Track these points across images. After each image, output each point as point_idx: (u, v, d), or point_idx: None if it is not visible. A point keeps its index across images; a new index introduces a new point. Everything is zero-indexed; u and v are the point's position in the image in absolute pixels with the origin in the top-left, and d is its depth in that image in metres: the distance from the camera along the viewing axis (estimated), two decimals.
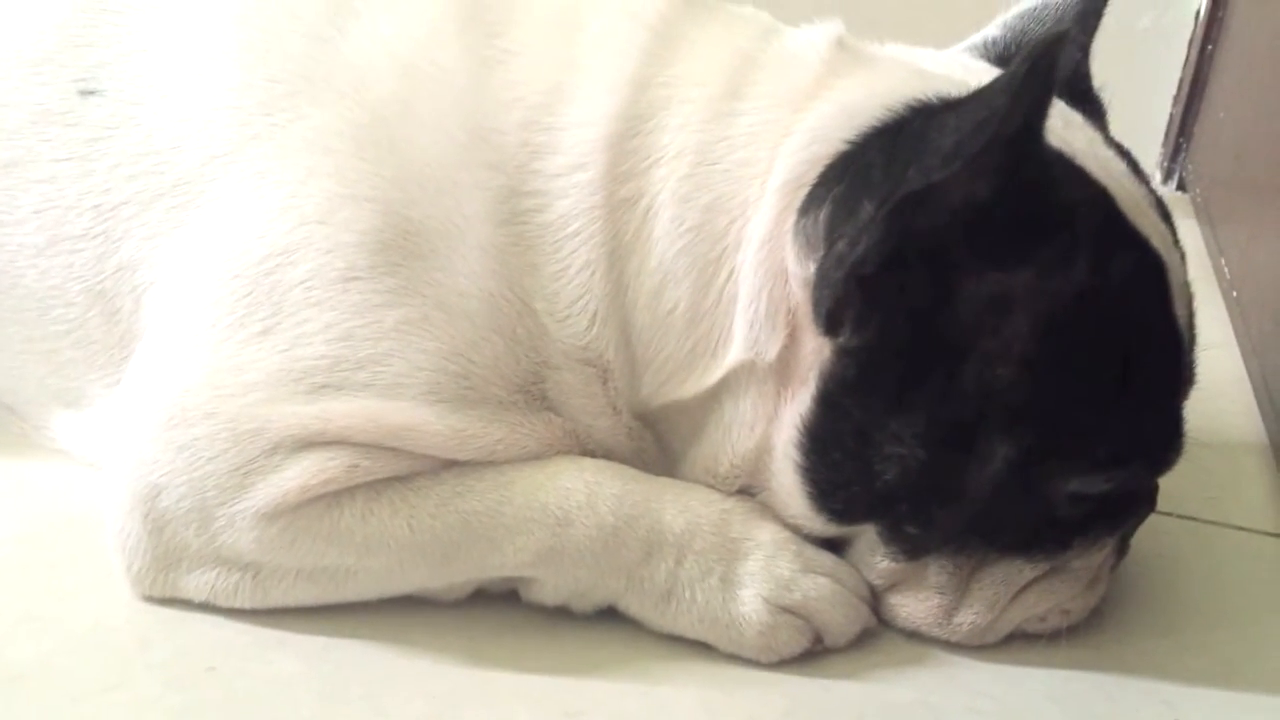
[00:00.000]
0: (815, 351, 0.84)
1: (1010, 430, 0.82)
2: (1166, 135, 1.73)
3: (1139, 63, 1.70)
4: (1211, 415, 1.20)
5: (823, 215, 0.81)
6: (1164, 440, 0.87)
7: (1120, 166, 0.88)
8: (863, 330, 0.81)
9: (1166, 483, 1.05)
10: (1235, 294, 1.37)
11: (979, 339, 0.81)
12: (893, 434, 0.83)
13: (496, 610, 0.90)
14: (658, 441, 0.93)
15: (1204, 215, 1.58)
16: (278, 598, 0.87)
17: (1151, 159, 1.75)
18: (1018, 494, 0.84)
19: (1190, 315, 0.89)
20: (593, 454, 0.91)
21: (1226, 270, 1.42)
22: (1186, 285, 0.89)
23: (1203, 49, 1.65)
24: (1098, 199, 0.83)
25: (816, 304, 0.81)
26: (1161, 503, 1.04)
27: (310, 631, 0.87)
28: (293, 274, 0.84)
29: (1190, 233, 1.60)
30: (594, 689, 0.85)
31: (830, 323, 0.81)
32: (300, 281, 0.84)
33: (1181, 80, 1.69)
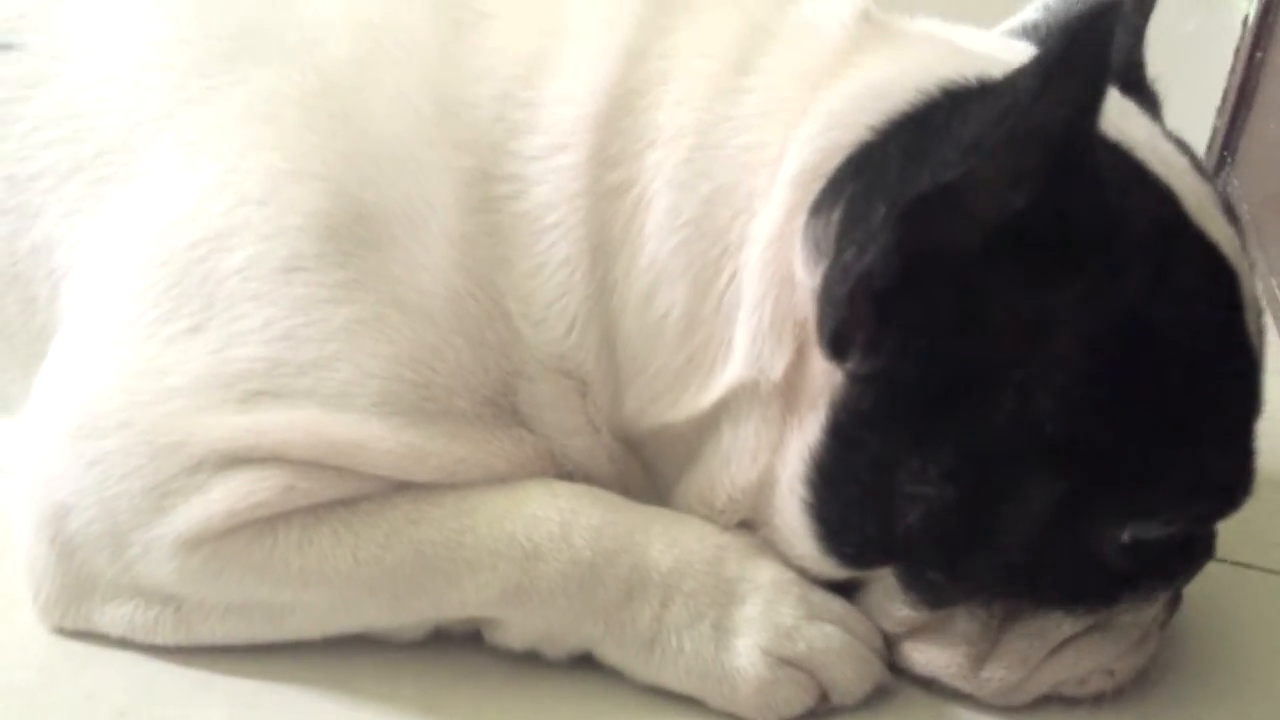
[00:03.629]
0: (827, 373, 0.73)
1: (1053, 468, 0.71)
2: (1209, 149, 1.62)
3: (1181, 71, 1.58)
4: (1266, 450, 1.08)
5: (835, 216, 0.69)
6: (1233, 477, 0.75)
7: (1183, 162, 0.77)
8: (874, 356, 0.70)
9: (1221, 526, 0.94)
10: None
11: (1016, 365, 0.69)
12: (916, 471, 0.71)
13: (456, 654, 0.79)
14: (645, 468, 0.81)
15: (1252, 234, 1.46)
16: (204, 635, 0.76)
17: None
18: (1061, 541, 0.73)
19: (1261, 332, 0.77)
20: (570, 478, 0.79)
21: (1277, 291, 1.31)
22: (1256, 298, 0.77)
23: (1251, 56, 1.54)
24: (1160, 199, 0.72)
25: (820, 322, 0.70)
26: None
27: (240, 674, 0.76)
28: (228, 262, 0.73)
29: None
30: None
31: (835, 345, 0.70)
32: (236, 271, 0.73)
33: (1227, 90, 1.59)
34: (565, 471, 0.79)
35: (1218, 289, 0.72)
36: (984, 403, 0.70)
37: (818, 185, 0.71)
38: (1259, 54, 1.53)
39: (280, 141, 0.75)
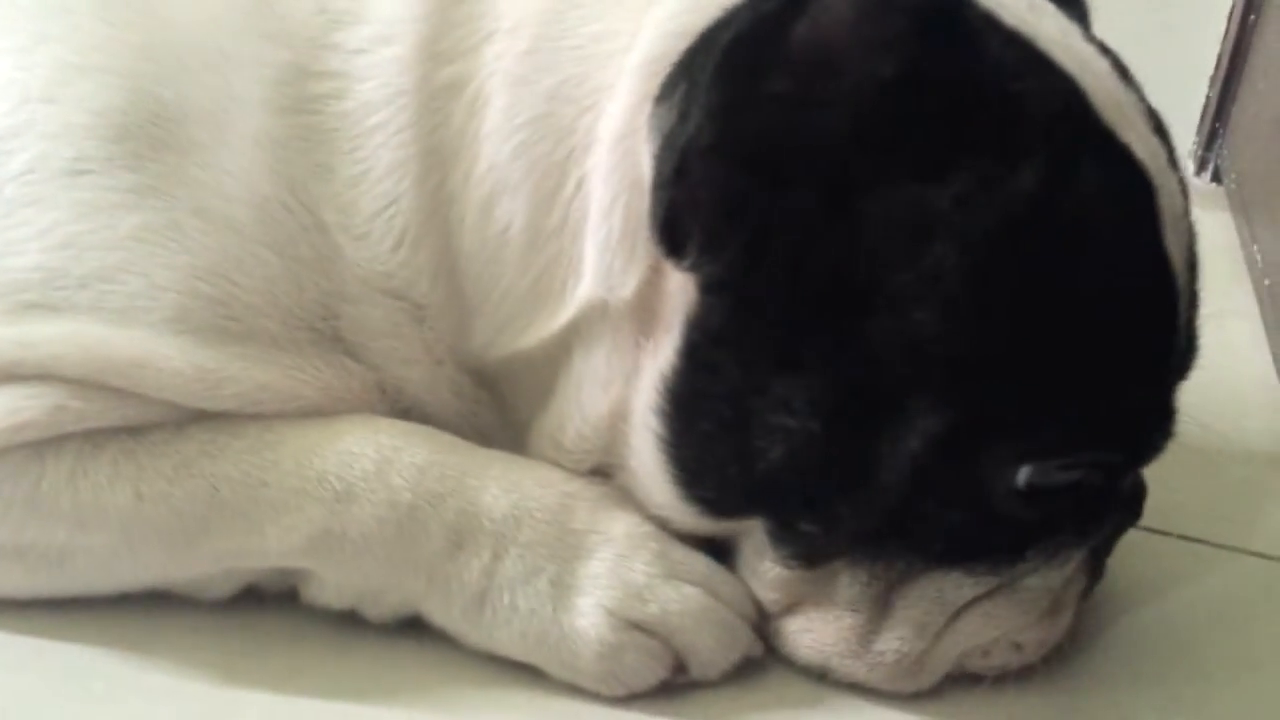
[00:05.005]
0: (682, 290, 0.64)
1: (934, 397, 0.61)
2: (1202, 120, 1.51)
3: (1172, 41, 1.49)
4: (1231, 420, 0.99)
5: (678, 97, 0.60)
6: (1143, 420, 0.65)
7: (1102, 65, 0.67)
8: (716, 254, 0.61)
9: (1169, 498, 0.85)
10: (1268, 282, 1.15)
11: (889, 274, 0.60)
12: (777, 400, 0.62)
13: (267, 615, 0.70)
14: (499, 407, 0.72)
15: (1238, 204, 1.36)
16: None
17: (1184, 148, 1.53)
18: (948, 484, 0.63)
19: (1190, 262, 0.67)
20: (408, 416, 0.70)
21: (1259, 258, 1.21)
22: (1186, 221, 0.68)
23: (1244, 20, 1.44)
24: (1062, 92, 0.63)
25: (652, 210, 0.61)
26: (1161, 521, 0.84)
27: (18, 629, 0.67)
28: (10, 165, 0.65)
29: (1223, 226, 1.38)
30: None
31: (669, 237, 0.61)
32: (17, 175, 0.65)
33: (1220, 57, 1.48)
34: (402, 409, 0.70)
35: (1128, 197, 0.63)
36: (851, 319, 0.61)
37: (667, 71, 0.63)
38: (1252, 16, 1.43)
39: (71, 33, 0.67)
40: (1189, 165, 1.54)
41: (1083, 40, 0.68)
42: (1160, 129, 0.69)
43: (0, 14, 0.68)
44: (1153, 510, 0.81)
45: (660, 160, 0.60)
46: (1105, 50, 0.70)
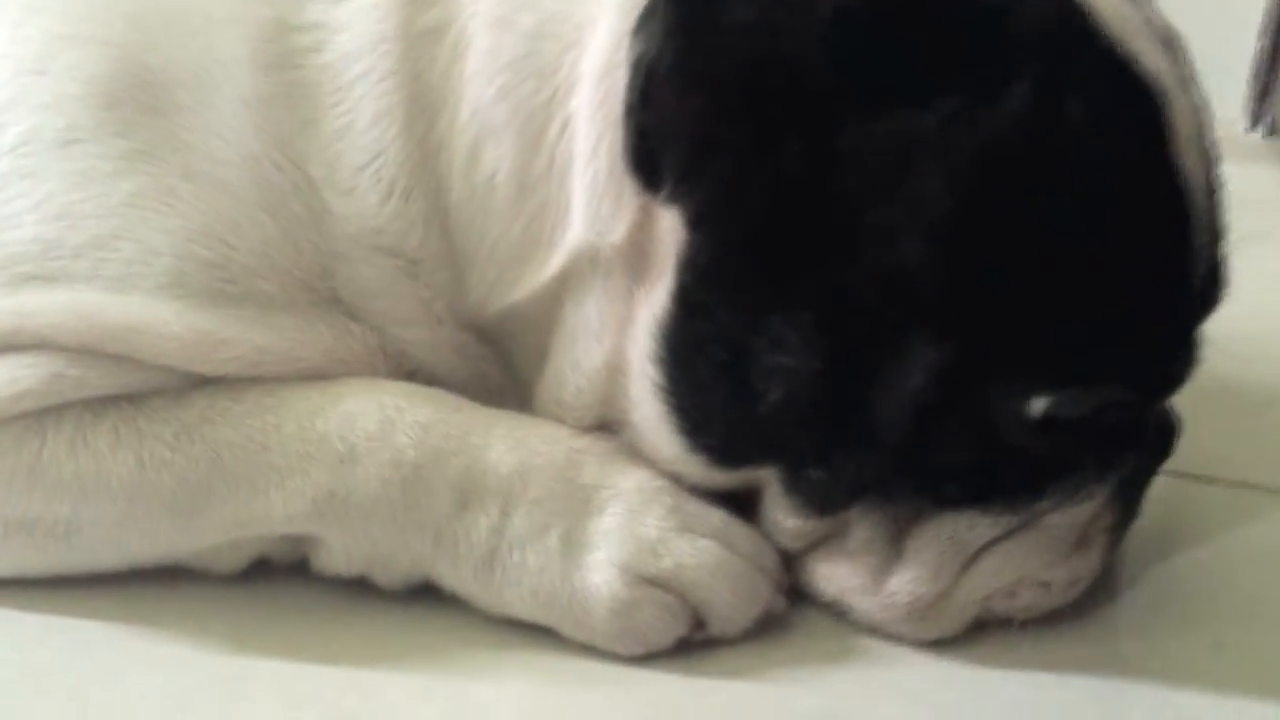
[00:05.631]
0: (674, 230, 0.62)
1: (933, 328, 0.59)
2: (1254, 75, 1.46)
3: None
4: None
5: (656, 28, 0.59)
6: (1158, 351, 0.62)
7: None
8: (693, 183, 0.59)
9: (1218, 443, 0.82)
10: None
11: (874, 204, 0.58)
12: (772, 340, 0.60)
13: (278, 585, 0.69)
14: (506, 365, 0.71)
15: None
16: None
17: (1236, 104, 1.49)
18: (954, 420, 0.61)
19: (1211, 186, 0.64)
20: (413, 379, 0.69)
21: None
22: (1204, 139, 0.64)
23: None
24: (1053, 5, 0.60)
25: (624, 139, 0.59)
26: (1208, 467, 0.81)
27: (24, 606, 0.66)
28: (3, 139, 0.65)
29: (1277, 180, 1.33)
30: (386, 686, 0.63)
31: (641, 166, 0.59)
32: (12, 148, 0.65)
33: (1269, 6, 1.43)
34: (407, 373, 0.69)
35: (1131, 114, 0.60)
36: (839, 252, 0.59)
37: None
38: None
39: (60, 5, 0.67)
40: (1242, 121, 1.50)
41: None
42: (1175, 46, 0.66)
43: None
44: (1200, 456, 0.79)
45: (630, 87, 0.58)
46: None
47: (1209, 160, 0.65)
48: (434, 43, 0.65)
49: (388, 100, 0.65)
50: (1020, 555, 0.65)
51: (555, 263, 0.65)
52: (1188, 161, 0.61)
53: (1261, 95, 1.46)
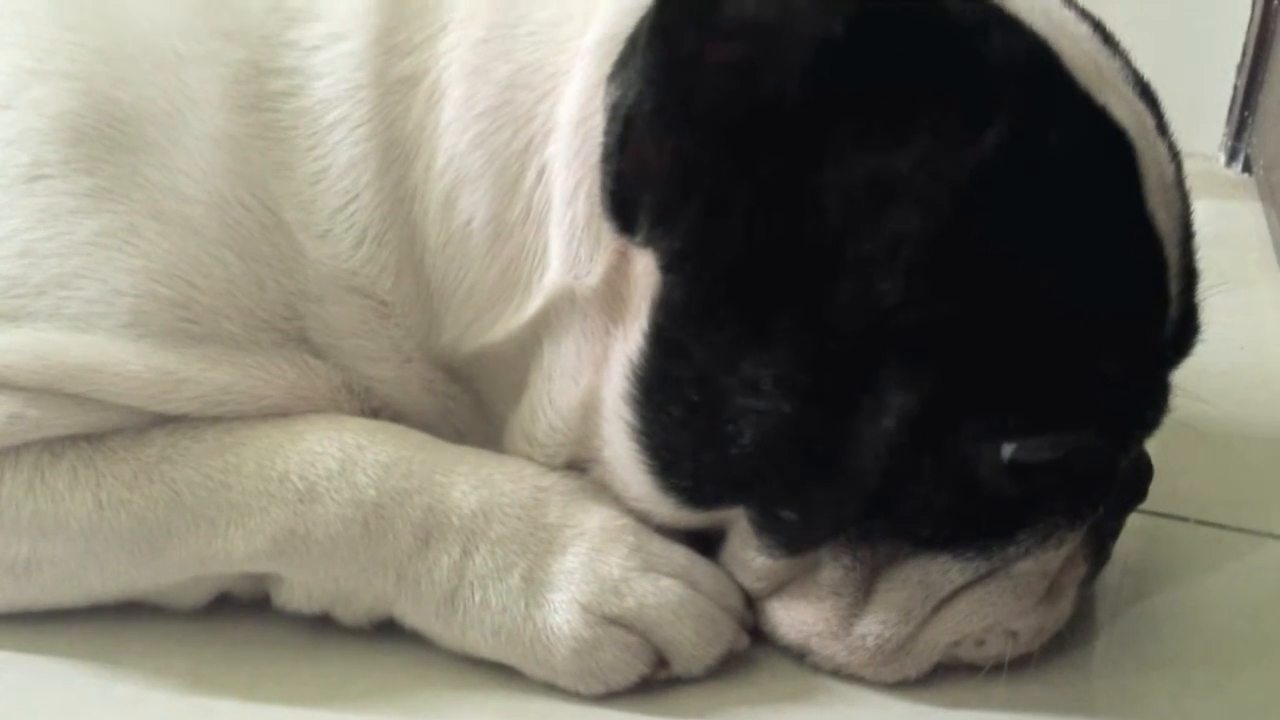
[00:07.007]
0: (649, 273, 0.62)
1: (904, 372, 0.59)
2: (1230, 110, 1.47)
3: (1197, 27, 1.45)
4: (1259, 406, 0.95)
5: (631, 74, 0.59)
6: (1130, 397, 0.62)
7: (1081, 28, 0.65)
8: (669, 224, 0.59)
9: (1188, 483, 0.83)
10: None
11: (850, 243, 0.58)
12: (744, 380, 0.60)
13: (240, 621, 0.68)
14: (475, 403, 0.70)
15: (1267, 191, 1.32)
16: None
17: (1214, 139, 1.49)
18: (926, 463, 0.60)
19: (1184, 234, 0.64)
20: (378, 415, 0.69)
21: None
22: (1175, 186, 0.65)
23: (1268, 5, 1.40)
24: (1028, 51, 0.60)
25: (602, 184, 0.59)
26: (1178, 506, 0.81)
27: None
28: None
29: (1254, 214, 1.34)
30: None
31: (619, 211, 0.59)
32: None
33: (1246, 42, 1.44)
34: (372, 409, 0.69)
35: (1104, 161, 0.60)
36: (813, 292, 0.59)
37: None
38: (1275, 1, 1.39)
39: (27, 38, 0.66)
40: (1220, 157, 1.51)
41: (1061, 7, 0.66)
42: (1147, 95, 0.66)
43: None
44: (1171, 495, 0.79)
45: (607, 133, 0.58)
46: (1086, 15, 0.68)
47: (1183, 207, 0.65)
48: (409, 91, 0.65)
49: (363, 147, 0.65)
50: (990, 602, 0.65)
51: (533, 305, 0.65)
52: (1159, 208, 0.61)
53: (1238, 131, 1.47)
